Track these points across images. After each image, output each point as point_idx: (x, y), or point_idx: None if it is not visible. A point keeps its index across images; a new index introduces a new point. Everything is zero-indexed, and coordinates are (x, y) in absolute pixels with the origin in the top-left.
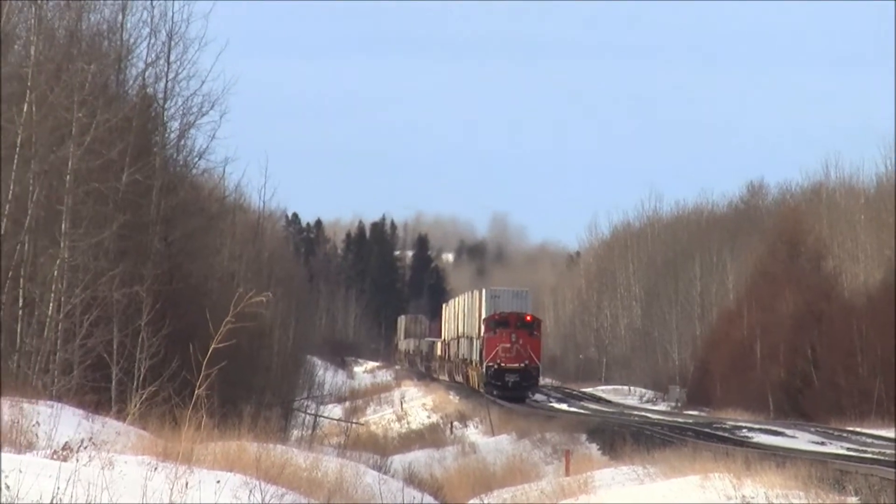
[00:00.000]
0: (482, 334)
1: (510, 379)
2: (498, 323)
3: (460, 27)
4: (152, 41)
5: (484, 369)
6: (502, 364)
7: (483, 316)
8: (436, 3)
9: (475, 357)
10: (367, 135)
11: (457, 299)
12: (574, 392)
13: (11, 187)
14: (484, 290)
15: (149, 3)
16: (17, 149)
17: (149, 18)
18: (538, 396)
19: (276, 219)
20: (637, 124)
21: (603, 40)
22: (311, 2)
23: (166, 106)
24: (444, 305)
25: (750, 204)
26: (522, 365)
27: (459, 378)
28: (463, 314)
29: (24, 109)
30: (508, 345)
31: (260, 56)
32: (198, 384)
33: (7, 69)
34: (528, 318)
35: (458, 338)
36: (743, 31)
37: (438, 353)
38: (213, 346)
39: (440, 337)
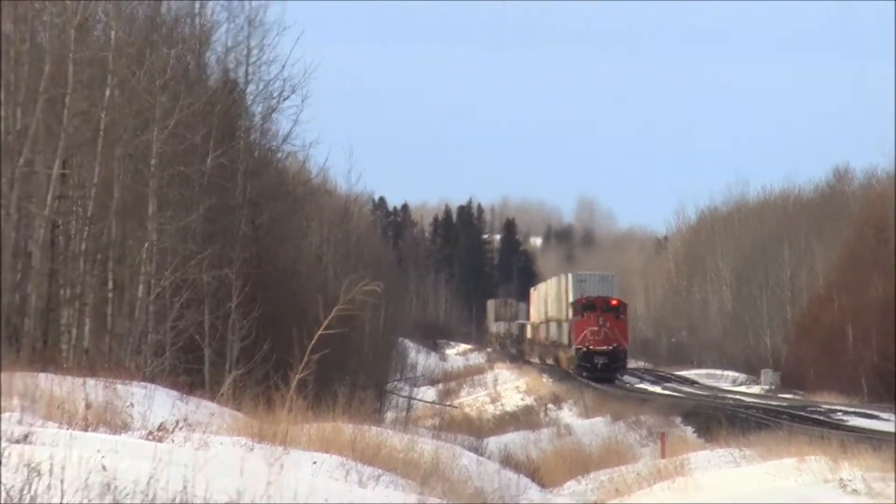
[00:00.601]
0: (570, 318)
1: (599, 361)
2: (585, 307)
3: (545, 11)
4: (231, 26)
5: (573, 352)
6: (590, 347)
7: (570, 300)
8: None
9: (564, 340)
10: (454, 119)
11: (544, 283)
12: (666, 375)
13: (97, 170)
14: (570, 275)
15: None
16: (102, 133)
17: (226, 2)
18: (631, 379)
19: (363, 202)
20: (724, 109)
21: (691, 25)
22: None
23: (248, 90)
24: (531, 289)
25: (836, 189)
26: (610, 347)
27: (550, 360)
28: (551, 298)
29: (107, 94)
30: (596, 328)
31: (347, 40)
32: (300, 368)
33: (87, 53)
34: (615, 301)
35: (547, 321)
36: (833, 17)
37: (528, 335)
38: (319, 331)
39: (528, 320)
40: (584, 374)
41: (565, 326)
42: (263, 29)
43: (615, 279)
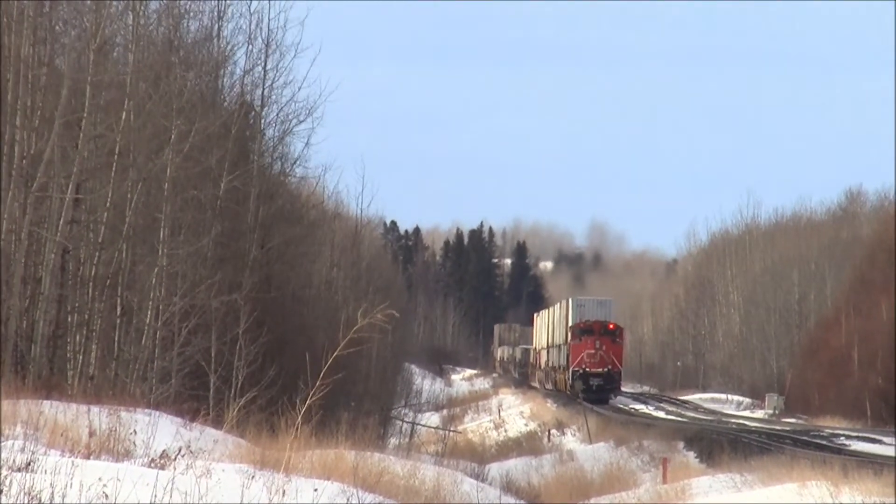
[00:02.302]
0: (569, 341)
1: (594, 382)
2: (583, 330)
3: (558, 33)
4: (249, 48)
5: (570, 373)
6: (587, 369)
7: (570, 324)
8: (533, 8)
9: (563, 363)
10: (467, 142)
11: (547, 310)
12: (672, 399)
13: (110, 195)
14: (570, 300)
15: (245, 9)
16: (116, 157)
17: (245, 26)
18: (636, 405)
19: (375, 226)
20: (736, 131)
21: (706, 44)
22: (415, 2)
23: (263, 113)
24: (535, 315)
25: (848, 211)
26: (605, 370)
27: (549, 385)
28: (553, 323)
29: (123, 118)
30: (593, 351)
31: (360, 62)
32: (310, 393)
33: (106, 76)
34: (611, 325)
35: (549, 347)
36: (844, 37)
37: (531, 360)
38: (335, 353)
39: (532, 345)
40: (579, 395)
41: (565, 350)
42: (281, 51)
43: (613, 304)
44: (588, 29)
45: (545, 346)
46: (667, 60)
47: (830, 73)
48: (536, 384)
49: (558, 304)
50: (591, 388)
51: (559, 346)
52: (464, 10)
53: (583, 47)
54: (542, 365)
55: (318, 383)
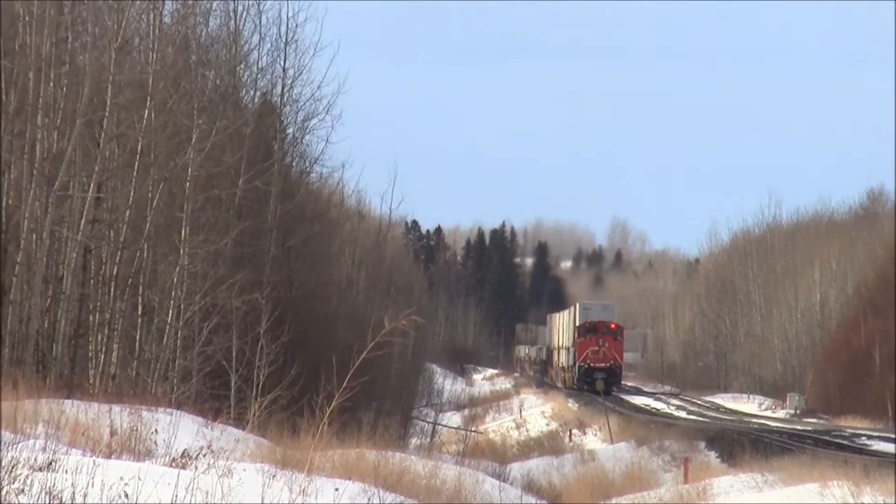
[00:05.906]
0: (575, 339)
1: (598, 376)
2: (588, 330)
3: (580, 32)
4: (268, 47)
5: (576, 368)
6: (591, 364)
7: (576, 325)
8: (552, 7)
9: (571, 362)
10: (489, 142)
11: (559, 313)
12: (693, 399)
13: (132, 194)
14: (577, 304)
15: (260, 8)
16: (138, 156)
17: (260, 24)
18: (657, 405)
19: (397, 225)
20: (757, 130)
21: (725, 43)
22: (438, 2)
23: (283, 112)
24: (548, 316)
25: (870, 211)
26: (608, 364)
27: (559, 384)
28: (563, 325)
29: (144, 116)
30: (596, 348)
31: (379, 60)
32: (338, 395)
33: (126, 76)
34: (613, 325)
35: (559, 347)
36: (867, 34)
37: (545, 359)
38: (363, 355)
39: (546, 344)
40: (584, 388)
41: (573, 350)
42: (299, 50)
43: (615, 306)
44: (612, 28)
45: (556, 346)
46: (687, 59)
47: (853, 72)
48: (549, 381)
49: (568, 308)
50: (595, 381)
51: (568, 347)
52: (484, 8)
53: (603, 46)
54: (554, 364)
55: (343, 385)
